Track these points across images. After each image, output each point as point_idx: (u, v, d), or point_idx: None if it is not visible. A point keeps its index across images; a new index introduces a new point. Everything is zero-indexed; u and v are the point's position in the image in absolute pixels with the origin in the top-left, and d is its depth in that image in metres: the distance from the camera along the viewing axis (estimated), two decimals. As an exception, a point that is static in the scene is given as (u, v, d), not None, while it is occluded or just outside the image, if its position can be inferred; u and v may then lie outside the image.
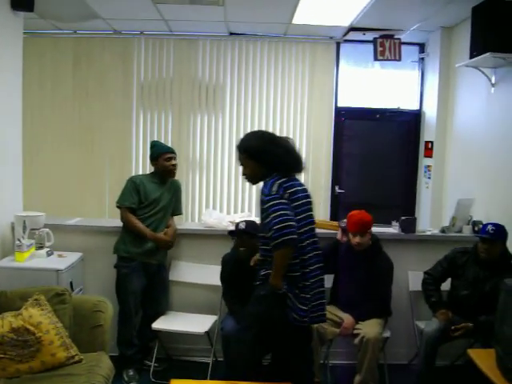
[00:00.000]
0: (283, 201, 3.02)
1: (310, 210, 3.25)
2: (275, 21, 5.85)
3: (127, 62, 6.52)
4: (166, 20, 5.89)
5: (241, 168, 3.25)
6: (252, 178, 3.24)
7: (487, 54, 4.33)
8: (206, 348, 4.35)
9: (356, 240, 4.08)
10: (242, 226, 3.98)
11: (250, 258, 3.78)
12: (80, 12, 5.50)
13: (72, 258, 4.17)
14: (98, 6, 5.36)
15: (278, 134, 6.37)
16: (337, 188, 6.78)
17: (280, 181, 3.07)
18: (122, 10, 5.58)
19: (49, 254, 4.11)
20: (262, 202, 3.07)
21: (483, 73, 4.84)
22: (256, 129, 6.56)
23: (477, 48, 4.51)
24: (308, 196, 3.24)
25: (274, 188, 3.03)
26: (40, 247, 4.11)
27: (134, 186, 4.07)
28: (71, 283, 3.98)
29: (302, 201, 3.15)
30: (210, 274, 4.40)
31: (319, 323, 3.54)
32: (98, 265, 4.36)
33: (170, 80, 6.57)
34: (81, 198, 6.44)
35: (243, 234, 3.94)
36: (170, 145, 4.74)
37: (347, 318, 4.02)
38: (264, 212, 3.04)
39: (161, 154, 4.17)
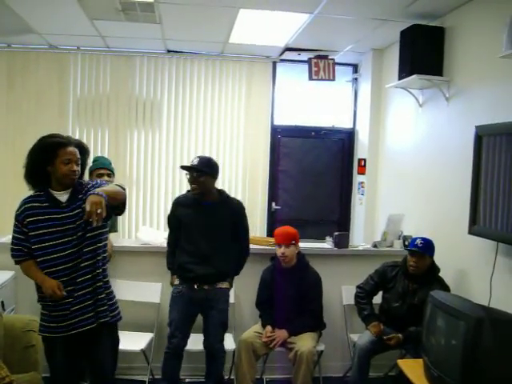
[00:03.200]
0: None
1: None
2: (212, 40, 5.93)
3: (63, 77, 6.42)
4: (102, 36, 5.85)
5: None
6: None
7: (414, 75, 4.52)
8: (142, 366, 4.32)
9: (281, 251, 4.18)
10: (195, 161, 3.87)
11: (201, 198, 3.87)
12: (14, 26, 5.41)
13: (3, 276, 4.07)
14: (32, 20, 5.28)
15: (215, 152, 6.55)
16: (273, 204, 6.86)
17: None
18: (57, 25, 5.52)
19: (-22, 273, 4.01)
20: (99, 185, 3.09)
21: (411, 93, 5.05)
22: (192, 146, 6.60)
23: (405, 70, 4.70)
24: None
25: None
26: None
27: None
28: (2, 302, 3.88)
29: None
30: (145, 291, 4.39)
31: None
32: (32, 283, 4.24)
33: (107, 96, 6.51)
34: (13, 215, 6.23)
35: (193, 171, 3.85)
36: (106, 161, 4.69)
37: (280, 331, 4.10)
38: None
39: (93, 170, 4.24)
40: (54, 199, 2.97)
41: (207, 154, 6.56)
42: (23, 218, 2.95)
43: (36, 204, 2.96)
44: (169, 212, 4.11)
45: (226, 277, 3.97)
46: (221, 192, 4.01)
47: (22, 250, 2.97)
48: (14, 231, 2.99)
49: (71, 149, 2.95)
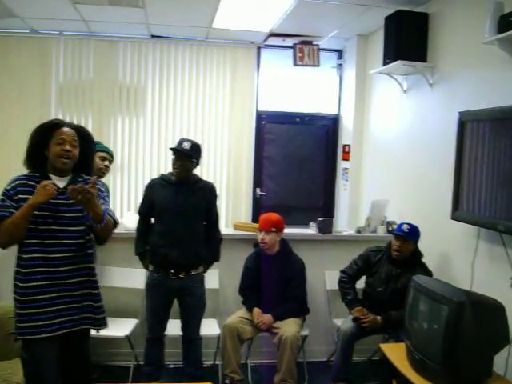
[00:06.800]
0: None
1: None
2: (196, 25, 5.87)
3: (45, 62, 6.31)
4: (85, 20, 5.78)
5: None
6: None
7: (398, 61, 4.53)
8: (127, 352, 4.32)
9: (260, 237, 4.21)
10: (187, 146, 3.77)
11: (182, 180, 3.81)
12: (-6, 10, 5.34)
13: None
14: (14, 4, 5.20)
15: (199, 138, 6.52)
16: (258, 190, 6.87)
17: None
18: (39, 9, 5.42)
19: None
20: (102, 192, 2.97)
21: (395, 79, 5.06)
22: (177, 132, 6.56)
23: (389, 56, 4.71)
24: None
25: None
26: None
27: None
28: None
29: None
30: (129, 278, 4.39)
31: None
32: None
33: (90, 82, 6.43)
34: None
35: (185, 157, 3.78)
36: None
37: (265, 316, 4.14)
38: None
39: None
40: None
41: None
42: (14, 193, 2.73)
43: (31, 183, 2.76)
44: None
45: (201, 261, 3.95)
46: (194, 175, 3.95)
47: (3, 218, 2.68)
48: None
49: (66, 129, 2.81)
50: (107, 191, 3.87)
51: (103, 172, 4.30)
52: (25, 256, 2.73)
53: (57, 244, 2.75)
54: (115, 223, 2.99)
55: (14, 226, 2.65)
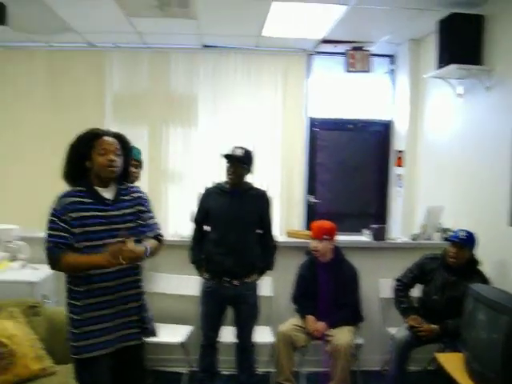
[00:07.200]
0: None
1: None
2: (246, 33, 5.93)
3: (101, 74, 6.49)
4: (139, 33, 5.92)
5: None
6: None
7: (452, 65, 4.45)
8: (181, 358, 4.38)
9: (313, 244, 4.20)
10: (239, 152, 3.86)
11: (234, 187, 3.88)
12: (53, 25, 5.51)
13: (46, 270, 4.15)
14: (71, 19, 5.38)
15: (252, 146, 6.54)
16: (311, 198, 6.84)
17: None
18: (95, 23, 5.61)
19: (23, 267, 4.11)
20: (147, 201, 2.95)
21: (450, 84, 4.96)
22: (230, 141, 6.60)
23: (443, 60, 4.62)
24: None
25: None
26: (14, 260, 4.11)
27: None
28: (45, 295, 3.97)
29: None
30: (185, 285, 4.45)
31: None
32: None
33: (144, 93, 6.56)
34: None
35: (238, 163, 3.84)
36: (144, 157, 4.53)
37: (319, 323, 4.12)
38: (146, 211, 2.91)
39: None
40: (98, 196, 2.71)
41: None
42: (63, 213, 2.62)
43: (77, 199, 2.67)
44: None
45: (254, 269, 3.97)
46: (247, 183, 4.00)
47: (60, 246, 2.60)
48: (51, 228, 2.64)
49: (107, 138, 2.74)
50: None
51: (131, 180, 4.04)
52: (81, 275, 2.64)
53: None
54: (161, 241, 2.95)
55: (75, 268, 2.63)
